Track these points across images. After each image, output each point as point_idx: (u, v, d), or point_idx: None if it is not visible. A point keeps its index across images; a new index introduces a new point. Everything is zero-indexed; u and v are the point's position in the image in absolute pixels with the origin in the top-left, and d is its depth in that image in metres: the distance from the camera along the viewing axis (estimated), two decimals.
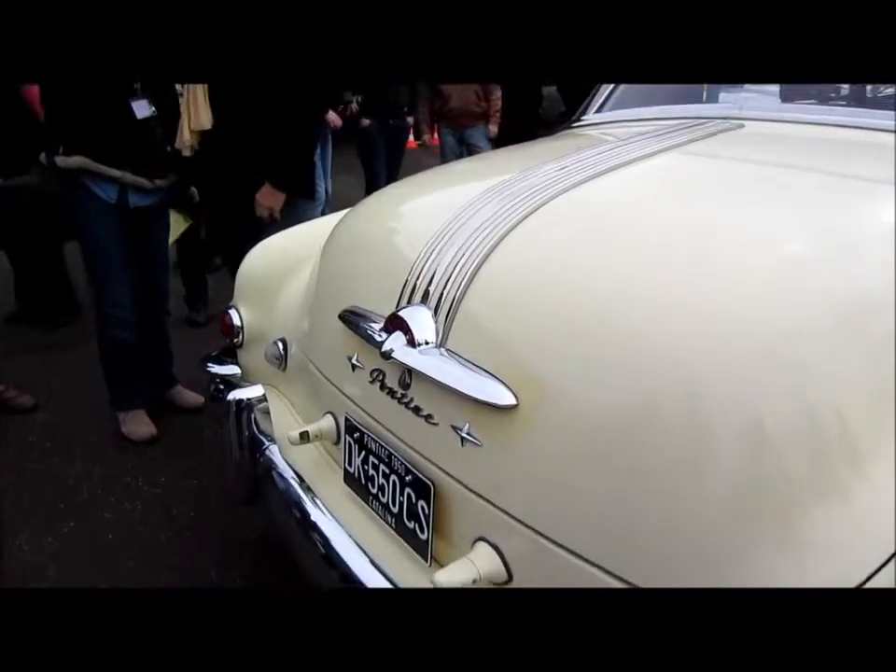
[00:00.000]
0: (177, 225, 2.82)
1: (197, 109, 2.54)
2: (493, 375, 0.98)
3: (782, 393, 0.81)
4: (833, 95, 1.72)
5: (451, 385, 1.01)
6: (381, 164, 4.82)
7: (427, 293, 1.11)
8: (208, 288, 3.97)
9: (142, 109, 2.45)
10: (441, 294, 1.08)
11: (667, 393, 0.84)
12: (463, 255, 1.09)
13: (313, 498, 1.38)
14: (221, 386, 1.84)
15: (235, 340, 1.82)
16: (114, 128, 2.41)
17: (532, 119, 5.93)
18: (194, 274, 3.89)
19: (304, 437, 1.39)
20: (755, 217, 1.04)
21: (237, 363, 1.88)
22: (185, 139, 2.61)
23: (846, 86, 1.64)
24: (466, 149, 5.31)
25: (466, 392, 0.99)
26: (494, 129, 5.32)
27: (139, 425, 2.72)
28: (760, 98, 1.58)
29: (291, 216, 2.51)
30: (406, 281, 1.16)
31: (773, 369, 0.82)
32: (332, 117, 4.48)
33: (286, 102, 2.54)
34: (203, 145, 2.62)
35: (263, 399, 1.63)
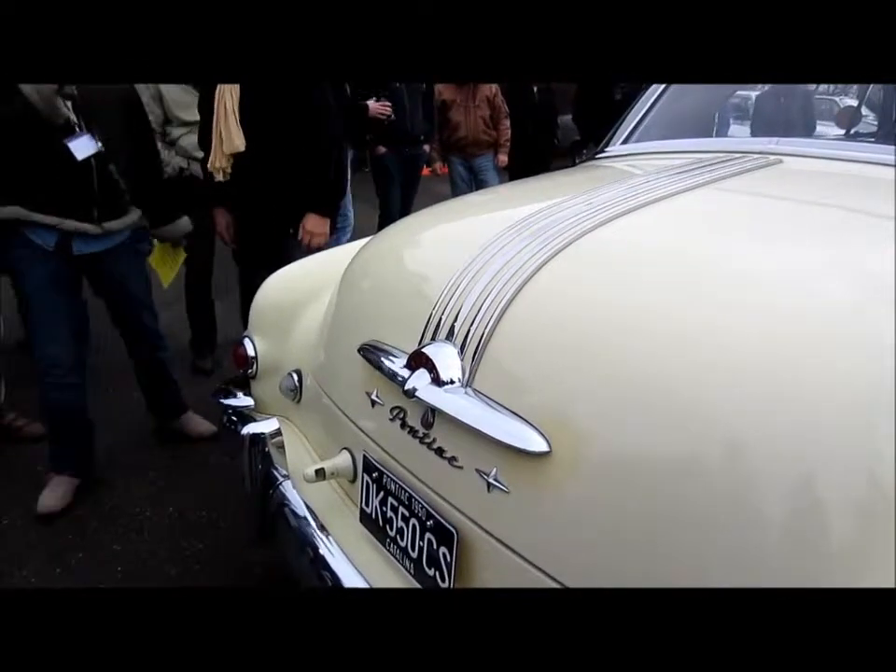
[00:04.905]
0: (173, 260, 2.67)
1: (229, 132, 2.50)
2: (523, 419, 0.93)
3: (832, 449, 0.75)
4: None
5: (478, 428, 0.97)
6: (396, 192, 4.80)
7: (452, 330, 1.07)
8: (216, 332, 3.65)
9: (83, 148, 2.14)
10: (468, 331, 1.04)
11: (711, 443, 0.79)
12: (490, 292, 1.05)
13: (327, 538, 1.33)
14: (234, 418, 1.81)
15: (249, 371, 1.79)
16: (50, 173, 2.13)
17: (544, 147, 5.92)
18: (200, 316, 3.56)
19: (320, 474, 1.35)
20: (799, 259, 0.99)
21: (250, 394, 1.85)
22: (217, 164, 2.57)
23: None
24: (475, 178, 5.30)
25: (493, 436, 0.94)
26: (503, 158, 5.30)
27: (53, 496, 2.36)
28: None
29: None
30: (430, 317, 1.12)
31: (822, 422, 0.76)
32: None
33: (313, 125, 2.55)
34: (235, 168, 2.58)
35: (278, 433, 1.59)
